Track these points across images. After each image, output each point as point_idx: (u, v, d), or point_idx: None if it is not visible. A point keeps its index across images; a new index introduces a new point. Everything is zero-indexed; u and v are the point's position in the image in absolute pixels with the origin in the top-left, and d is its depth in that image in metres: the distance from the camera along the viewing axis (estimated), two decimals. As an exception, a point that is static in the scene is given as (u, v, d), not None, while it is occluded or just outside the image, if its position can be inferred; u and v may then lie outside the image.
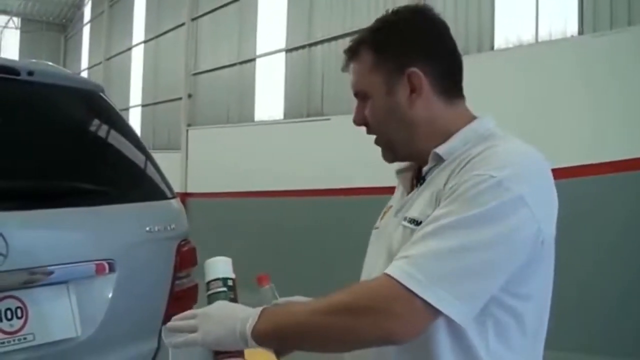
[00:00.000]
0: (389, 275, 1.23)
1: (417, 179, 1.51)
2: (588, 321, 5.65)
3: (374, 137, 1.53)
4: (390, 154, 1.52)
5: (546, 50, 6.77)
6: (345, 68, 1.55)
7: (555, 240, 1.36)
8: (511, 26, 7.31)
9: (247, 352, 1.40)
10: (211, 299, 1.49)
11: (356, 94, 1.51)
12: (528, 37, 7.10)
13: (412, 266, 1.22)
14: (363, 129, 1.54)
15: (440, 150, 1.42)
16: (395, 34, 1.48)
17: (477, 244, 1.22)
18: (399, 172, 1.63)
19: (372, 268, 1.52)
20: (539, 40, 6.97)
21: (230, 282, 1.51)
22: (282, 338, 1.33)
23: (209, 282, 1.51)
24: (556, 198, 1.36)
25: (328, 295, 1.32)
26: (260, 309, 1.34)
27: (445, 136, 1.44)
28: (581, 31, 6.51)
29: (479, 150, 1.35)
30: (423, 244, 1.25)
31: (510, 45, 7.29)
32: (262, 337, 1.30)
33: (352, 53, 1.51)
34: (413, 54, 1.45)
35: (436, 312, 1.21)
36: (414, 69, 1.44)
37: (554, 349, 1.84)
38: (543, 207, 1.30)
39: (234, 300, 1.48)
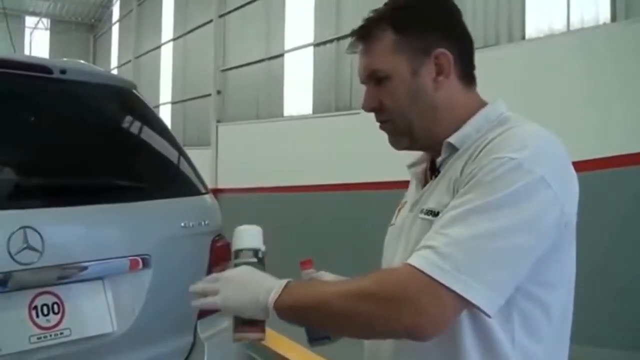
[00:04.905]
0: (412, 266, 1.19)
1: (432, 171, 1.47)
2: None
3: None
4: (406, 140, 1.44)
5: (578, 39, 6.67)
6: (352, 49, 1.46)
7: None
8: (542, 15, 7.21)
9: (272, 339, 1.37)
10: None
11: (369, 76, 1.42)
12: (559, 25, 7.00)
13: (437, 256, 1.18)
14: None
15: (453, 139, 1.39)
16: (419, 13, 1.42)
17: (502, 229, 1.18)
18: (411, 165, 1.60)
19: (393, 265, 1.47)
20: (571, 28, 6.86)
21: (260, 255, 1.44)
22: (303, 315, 1.30)
23: (238, 251, 1.44)
24: (576, 180, 1.32)
25: (353, 279, 1.29)
26: (285, 281, 1.30)
27: (460, 123, 1.40)
28: (614, 18, 6.40)
29: (494, 134, 1.31)
30: (446, 233, 1.20)
31: (542, 35, 7.19)
32: (284, 310, 1.27)
33: (366, 32, 1.42)
34: (438, 34, 1.41)
35: (463, 304, 1.18)
36: (442, 50, 1.39)
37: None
38: (564, 188, 1.26)
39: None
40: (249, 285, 1.32)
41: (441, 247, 1.18)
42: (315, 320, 1.32)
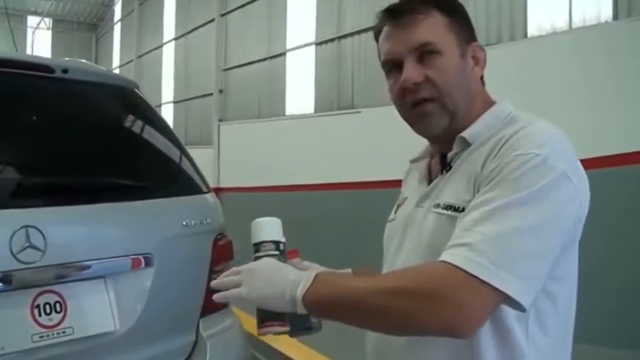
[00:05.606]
0: (449, 263, 1.19)
1: (443, 166, 1.47)
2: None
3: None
4: (446, 120, 1.40)
5: (580, 37, 6.66)
6: (384, 22, 1.44)
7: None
8: (544, 13, 7.20)
9: (274, 337, 1.34)
10: None
11: (417, 49, 1.38)
12: (561, 24, 6.99)
13: (473, 252, 1.18)
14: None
15: (467, 134, 1.40)
16: (458, 5, 1.47)
17: (532, 225, 1.19)
18: (414, 160, 1.61)
19: (398, 260, 1.47)
20: (573, 27, 6.85)
21: (282, 247, 1.40)
22: (333, 309, 1.27)
23: (258, 244, 1.39)
24: (586, 176, 1.33)
25: (385, 274, 1.29)
26: (313, 273, 1.28)
27: (475, 118, 1.42)
28: (616, 16, 6.39)
29: (511, 131, 1.32)
30: (479, 230, 1.20)
31: (544, 33, 7.18)
32: (314, 304, 1.25)
33: (411, 7, 1.40)
34: (472, 28, 1.47)
35: (500, 299, 1.18)
36: (479, 44, 1.46)
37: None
38: (582, 183, 1.29)
39: None
40: (275, 278, 1.30)
41: (476, 243, 1.19)
42: (345, 315, 1.28)
